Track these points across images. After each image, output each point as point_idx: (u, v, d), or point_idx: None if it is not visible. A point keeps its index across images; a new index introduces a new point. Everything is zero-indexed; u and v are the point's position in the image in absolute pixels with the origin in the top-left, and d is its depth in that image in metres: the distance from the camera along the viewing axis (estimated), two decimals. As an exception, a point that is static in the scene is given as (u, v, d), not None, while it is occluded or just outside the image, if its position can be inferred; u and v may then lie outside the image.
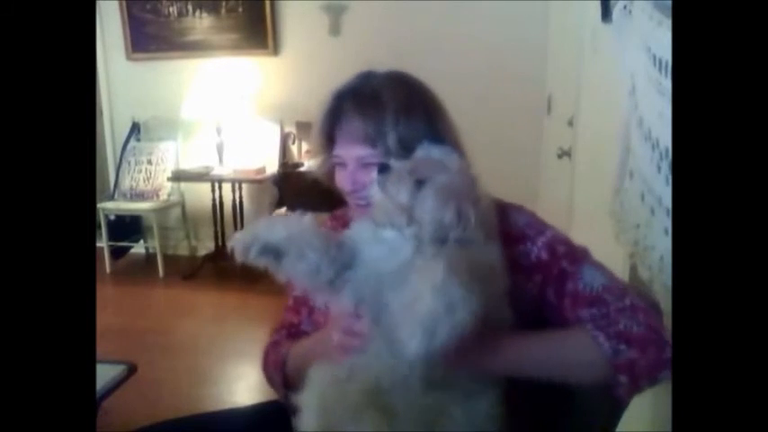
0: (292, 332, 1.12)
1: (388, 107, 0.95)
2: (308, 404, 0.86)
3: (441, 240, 0.82)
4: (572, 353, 0.88)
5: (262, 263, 0.84)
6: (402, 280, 0.79)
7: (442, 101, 1.02)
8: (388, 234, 0.85)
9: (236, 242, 0.84)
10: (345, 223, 1.02)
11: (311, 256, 0.83)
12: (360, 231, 0.89)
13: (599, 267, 0.94)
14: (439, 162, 0.88)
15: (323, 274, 0.84)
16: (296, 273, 0.84)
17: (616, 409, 0.98)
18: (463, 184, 0.87)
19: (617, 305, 0.88)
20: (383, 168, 0.88)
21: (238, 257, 0.83)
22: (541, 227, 0.98)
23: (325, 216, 1.14)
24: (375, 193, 0.88)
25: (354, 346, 0.86)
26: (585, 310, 0.90)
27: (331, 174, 1.04)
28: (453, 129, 1.00)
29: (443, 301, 0.70)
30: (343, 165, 1.00)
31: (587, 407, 0.98)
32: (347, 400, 0.82)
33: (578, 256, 0.95)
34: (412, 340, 0.71)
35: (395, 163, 0.89)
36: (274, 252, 0.83)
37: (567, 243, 0.97)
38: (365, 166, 0.97)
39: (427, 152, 0.90)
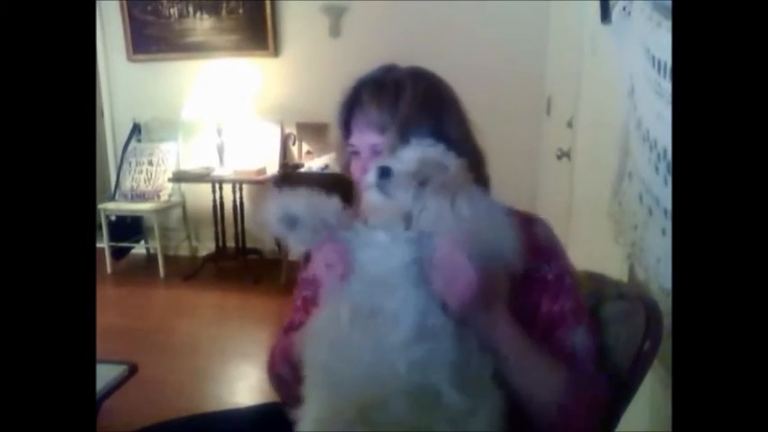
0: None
1: (404, 97, 0.95)
2: (306, 415, 0.84)
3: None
4: (546, 379, 0.88)
5: (276, 231, 0.86)
6: (396, 283, 0.81)
7: (461, 101, 1.01)
8: (381, 237, 0.85)
9: (266, 210, 0.87)
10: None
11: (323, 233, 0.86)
12: (352, 236, 0.88)
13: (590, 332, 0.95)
14: (438, 161, 0.87)
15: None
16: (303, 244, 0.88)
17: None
18: (461, 180, 0.87)
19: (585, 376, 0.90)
20: (384, 172, 0.86)
21: (268, 224, 0.86)
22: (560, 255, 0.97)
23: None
24: (374, 196, 0.86)
25: (338, 273, 0.86)
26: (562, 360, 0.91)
27: (348, 167, 1.02)
28: (466, 128, 1.00)
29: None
30: (357, 154, 0.99)
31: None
32: (343, 414, 0.80)
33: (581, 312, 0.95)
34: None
35: (396, 165, 0.87)
36: (292, 222, 0.86)
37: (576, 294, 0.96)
38: (378, 154, 0.96)
39: (422, 148, 0.89)
